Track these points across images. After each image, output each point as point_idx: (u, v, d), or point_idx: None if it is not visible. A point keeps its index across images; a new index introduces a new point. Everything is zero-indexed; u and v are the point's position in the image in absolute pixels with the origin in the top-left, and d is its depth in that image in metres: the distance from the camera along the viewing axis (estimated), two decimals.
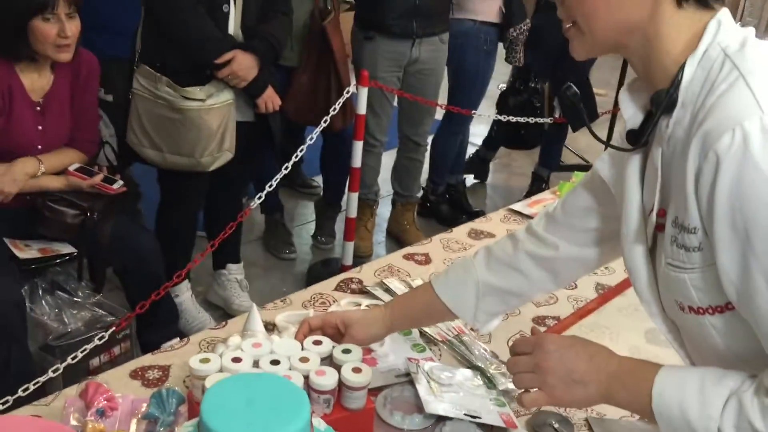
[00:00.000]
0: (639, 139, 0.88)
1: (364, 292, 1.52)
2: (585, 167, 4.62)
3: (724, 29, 0.82)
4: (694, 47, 0.82)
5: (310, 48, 2.96)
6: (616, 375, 0.88)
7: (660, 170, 0.85)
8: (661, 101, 0.82)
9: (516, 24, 3.31)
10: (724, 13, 0.84)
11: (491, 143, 4.24)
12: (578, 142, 4.75)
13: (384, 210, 3.65)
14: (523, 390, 0.95)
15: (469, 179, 4.25)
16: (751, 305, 0.76)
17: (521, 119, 3.52)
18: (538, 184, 4.11)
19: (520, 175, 4.42)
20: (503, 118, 3.55)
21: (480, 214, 3.80)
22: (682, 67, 0.82)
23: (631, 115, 0.90)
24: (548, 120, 3.70)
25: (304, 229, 3.61)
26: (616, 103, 4.45)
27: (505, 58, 3.54)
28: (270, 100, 2.44)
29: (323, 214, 3.47)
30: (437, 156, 3.66)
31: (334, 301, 1.47)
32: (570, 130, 4.06)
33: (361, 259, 3.27)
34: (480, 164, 4.31)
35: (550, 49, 3.59)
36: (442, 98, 3.50)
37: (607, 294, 1.60)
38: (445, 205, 3.77)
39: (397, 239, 3.51)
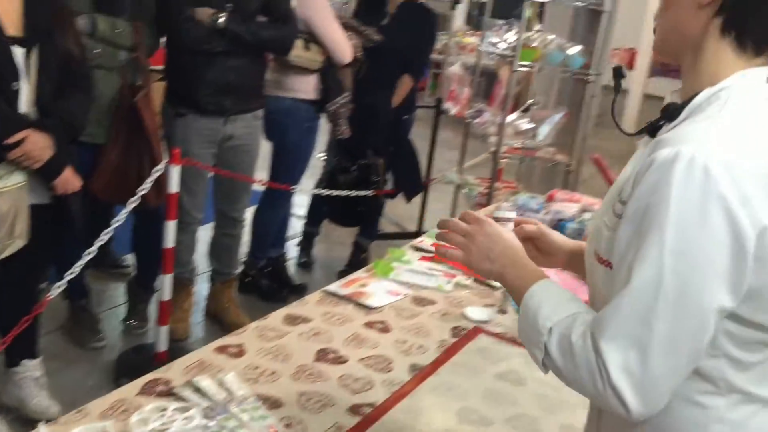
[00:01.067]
0: (642, 130, 1.05)
1: (171, 394, 1.43)
2: (403, 235, 4.77)
3: (746, 83, 0.93)
4: (717, 81, 0.94)
5: (119, 124, 2.83)
6: (516, 266, 1.10)
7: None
8: (668, 111, 0.98)
9: (333, 98, 3.40)
10: (758, 71, 0.94)
11: (315, 219, 4.25)
12: (396, 210, 4.90)
13: (202, 288, 3.52)
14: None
15: (292, 251, 4.23)
16: (616, 277, 0.95)
17: (345, 193, 3.60)
18: (358, 255, 4.17)
19: (341, 244, 4.46)
20: (326, 192, 3.60)
21: (302, 287, 3.78)
22: (697, 93, 0.95)
23: None
24: (369, 192, 3.80)
25: (114, 313, 3.38)
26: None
27: (330, 133, 3.62)
28: (68, 181, 2.27)
29: (135, 296, 3.27)
30: (258, 230, 3.62)
31: (137, 407, 1.36)
32: (387, 200, 4.21)
33: (177, 342, 3.11)
34: (306, 240, 4.30)
35: (384, 126, 3.75)
36: (262, 172, 3.49)
37: (421, 374, 1.63)
38: (266, 279, 3.71)
39: (216, 318, 3.38)
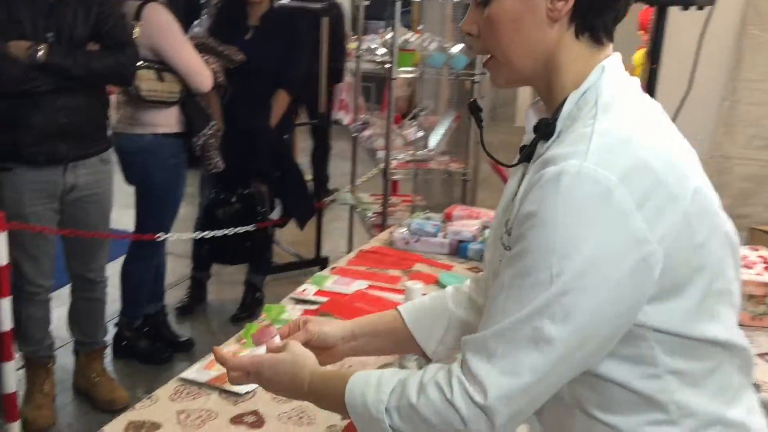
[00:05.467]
0: (521, 158, 1.01)
1: None
2: (300, 264, 4.41)
3: (606, 76, 0.94)
4: (580, 82, 0.94)
5: None
6: (311, 393, 1.05)
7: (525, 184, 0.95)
8: (541, 129, 0.95)
9: (199, 130, 3.00)
10: (612, 60, 0.96)
11: (200, 262, 3.81)
12: (292, 238, 4.53)
13: (67, 361, 3.03)
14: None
15: (175, 301, 3.77)
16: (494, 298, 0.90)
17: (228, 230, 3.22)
18: (251, 295, 3.77)
19: (233, 284, 4.04)
20: (201, 234, 3.19)
21: (188, 343, 3.36)
22: (564, 101, 0.94)
23: (530, 130, 0.99)
24: (252, 227, 3.41)
25: None
26: None
27: (205, 167, 3.19)
28: None
29: None
30: (128, 287, 3.16)
31: None
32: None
33: None
34: (196, 287, 3.86)
35: (266, 150, 3.40)
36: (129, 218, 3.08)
37: None
38: (146, 340, 3.25)
39: (87, 396, 2.91)
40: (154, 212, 3.07)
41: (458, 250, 2.37)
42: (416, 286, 1.68)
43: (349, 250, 4.26)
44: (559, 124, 0.93)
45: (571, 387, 0.93)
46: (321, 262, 4.37)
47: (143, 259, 3.13)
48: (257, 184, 3.49)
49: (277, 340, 1.15)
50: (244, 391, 1.53)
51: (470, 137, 3.38)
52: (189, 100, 2.97)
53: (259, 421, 1.45)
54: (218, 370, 1.61)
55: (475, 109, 1.11)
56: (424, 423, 0.88)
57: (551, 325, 0.83)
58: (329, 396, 1.01)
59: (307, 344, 1.15)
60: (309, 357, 1.07)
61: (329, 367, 1.15)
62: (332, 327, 1.20)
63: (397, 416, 0.90)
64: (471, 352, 0.88)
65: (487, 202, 3.22)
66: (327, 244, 4.59)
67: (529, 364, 0.85)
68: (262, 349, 1.15)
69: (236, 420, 1.46)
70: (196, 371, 1.60)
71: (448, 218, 2.56)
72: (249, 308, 3.71)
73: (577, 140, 0.87)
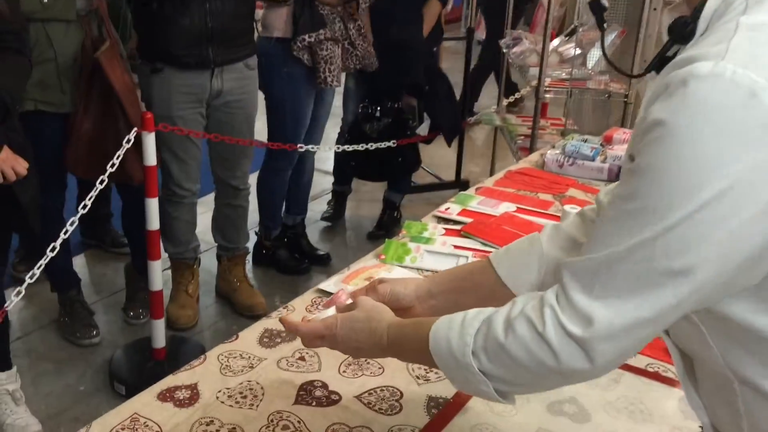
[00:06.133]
0: (649, 67, 0.84)
1: None
2: (439, 186, 4.29)
3: None
4: None
5: (86, 87, 2.42)
6: (391, 346, 0.95)
7: None
8: (677, 29, 0.79)
9: (302, 34, 2.72)
10: None
11: (342, 176, 3.79)
12: (431, 158, 4.40)
13: (211, 265, 3.12)
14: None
15: (316, 215, 3.79)
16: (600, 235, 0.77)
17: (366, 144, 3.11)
18: (390, 212, 3.72)
19: (371, 201, 4.00)
20: (342, 148, 3.12)
21: (325, 258, 3.36)
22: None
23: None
24: (393, 143, 3.30)
25: (116, 300, 3.01)
26: None
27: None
28: (7, 165, 1.86)
29: (134, 282, 2.89)
30: (264, 196, 3.17)
31: None
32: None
33: (182, 331, 2.75)
34: (337, 201, 3.85)
35: (418, 62, 3.30)
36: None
37: (441, 414, 1.18)
38: (284, 250, 3.28)
39: (228, 300, 2.99)
40: (274, 120, 2.99)
41: (618, 176, 2.15)
42: (575, 209, 1.51)
43: (492, 175, 4.09)
44: (701, 25, 0.76)
45: (724, 353, 0.77)
46: (461, 185, 4.23)
47: (276, 169, 3.10)
48: (407, 98, 3.34)
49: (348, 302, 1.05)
50: None
51: (635, 57, 3.05)
52: (307, 2, 2.75)
53: None
54: (355, 285, 1.53)
55: (597, 9, 0.98)
56: (515, 362, 0.78)
57: (670, 257, 0.70)
58: (412, 347, 0.91)
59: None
60: (384, 310, 0.98)
61: None
62: (405, 286, 1.09)
63: (485, 358, 0.81)
64: (571, 278, 0.75)
65: None
66: (468, 167, 4.43)
67: (639, 299, 0.71)
68: (332, 311, 1.04)
69: None
70: (333, 284, 1.54)
71: (607, 141, 2.33)
72: (386, 226, 3.66)
73: (718, 38, 0.71)
